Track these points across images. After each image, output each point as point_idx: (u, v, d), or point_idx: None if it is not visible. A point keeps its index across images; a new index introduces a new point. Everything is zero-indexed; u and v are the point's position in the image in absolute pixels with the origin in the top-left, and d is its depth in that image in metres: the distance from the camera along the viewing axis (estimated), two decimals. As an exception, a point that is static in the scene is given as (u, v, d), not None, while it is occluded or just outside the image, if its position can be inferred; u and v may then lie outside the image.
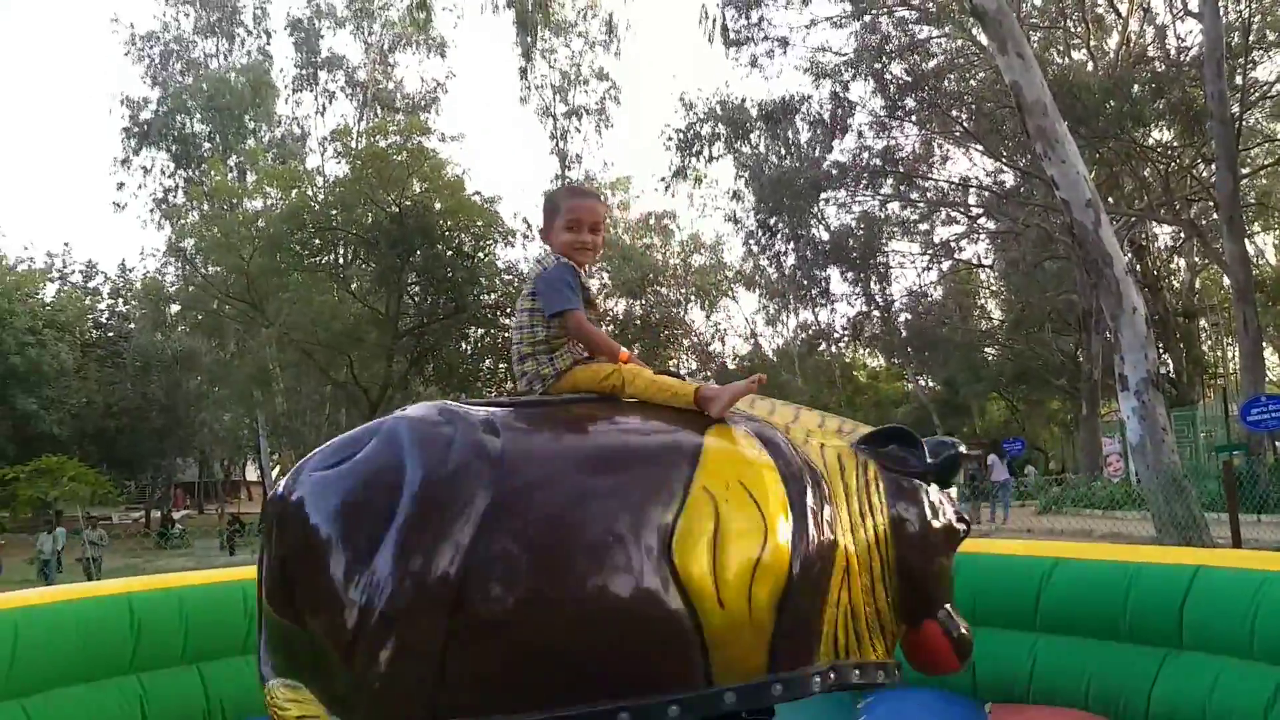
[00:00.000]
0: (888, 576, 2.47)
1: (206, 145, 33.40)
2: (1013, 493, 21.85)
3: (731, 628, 2.11)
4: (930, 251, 32.95)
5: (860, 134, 28.60)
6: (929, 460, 2.62)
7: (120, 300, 37.25)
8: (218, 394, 32.87)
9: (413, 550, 1.94)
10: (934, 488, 2.64)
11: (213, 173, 28.86)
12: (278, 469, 31.85)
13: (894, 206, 31.05)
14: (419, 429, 2.14)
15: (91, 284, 36.79)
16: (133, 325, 36.34)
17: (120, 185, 43.58)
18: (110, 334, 36.37)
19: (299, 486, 2.17)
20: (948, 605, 2.62)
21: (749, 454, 2.34)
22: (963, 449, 2.74)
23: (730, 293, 41.23)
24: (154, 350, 34.63)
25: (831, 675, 2.27)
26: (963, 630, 2.62)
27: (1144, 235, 27.50)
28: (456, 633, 1.94)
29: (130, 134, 34.30)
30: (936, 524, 2.58)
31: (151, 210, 34.63)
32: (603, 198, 2.78)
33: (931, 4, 25.70)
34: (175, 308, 32.85)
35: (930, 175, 29.74)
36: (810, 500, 2.31)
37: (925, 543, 2.54)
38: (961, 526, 2.66)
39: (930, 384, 39.51)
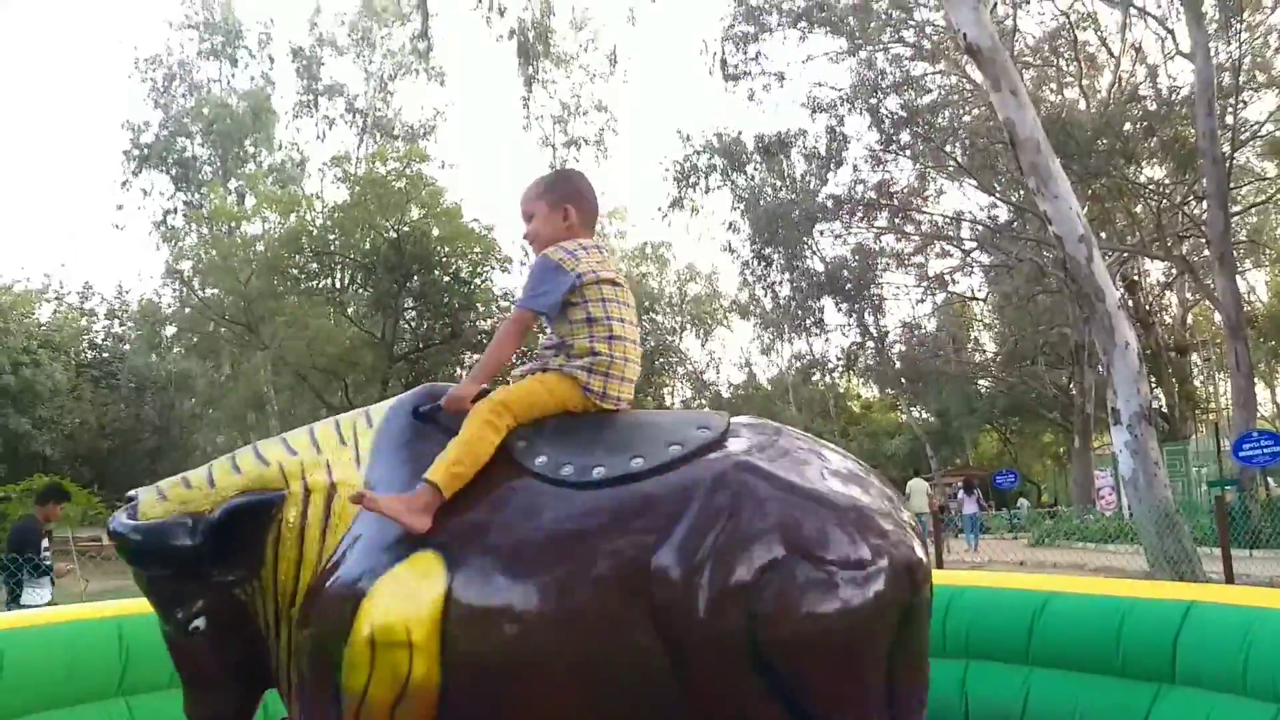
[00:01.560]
0: None
1: (207, 169, 33.56)
2: (980, 525, 22.01)
3: None
4: (924, 284, 33.10)
5: (855, 167, 28.86)
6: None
7: (116, 321, 37.19)
8: (212, 416, 32.73)
9: None
10: None
11: (212, 196, 28.97)
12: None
13: (888, 239, 31.24)
14: None
15: (88, 305, 36.74)
16: (128, 346, 36.26)
17: (119, 207, 43.84)
18: (105, 355, 36.25)
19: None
20: None
21: None
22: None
23: (725, 322, 41.40)
24: (149, 372, 34.54)
25: None
26: None
27: (1136, 271, 27.67)
28: None
29: (131, 156, 34.45)
30: None
31: (150, 232, 34.78)
32: (535, 183, 2.54)
33: (926, 41, 26.02)
34: (171, 329, 32.84)
35: (924, 209, 29.95)
36: None
37: None
38: None
39: (923, 415, 39.56)
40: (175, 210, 34.16)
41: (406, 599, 1.98)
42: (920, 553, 2.05)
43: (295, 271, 24.78)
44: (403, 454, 2.28)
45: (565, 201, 2.46)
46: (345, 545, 2.16)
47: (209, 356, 30.61)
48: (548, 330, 2.43)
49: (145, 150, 34.27)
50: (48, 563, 7.35)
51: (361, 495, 2.08)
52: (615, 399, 2.30)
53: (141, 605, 3.95)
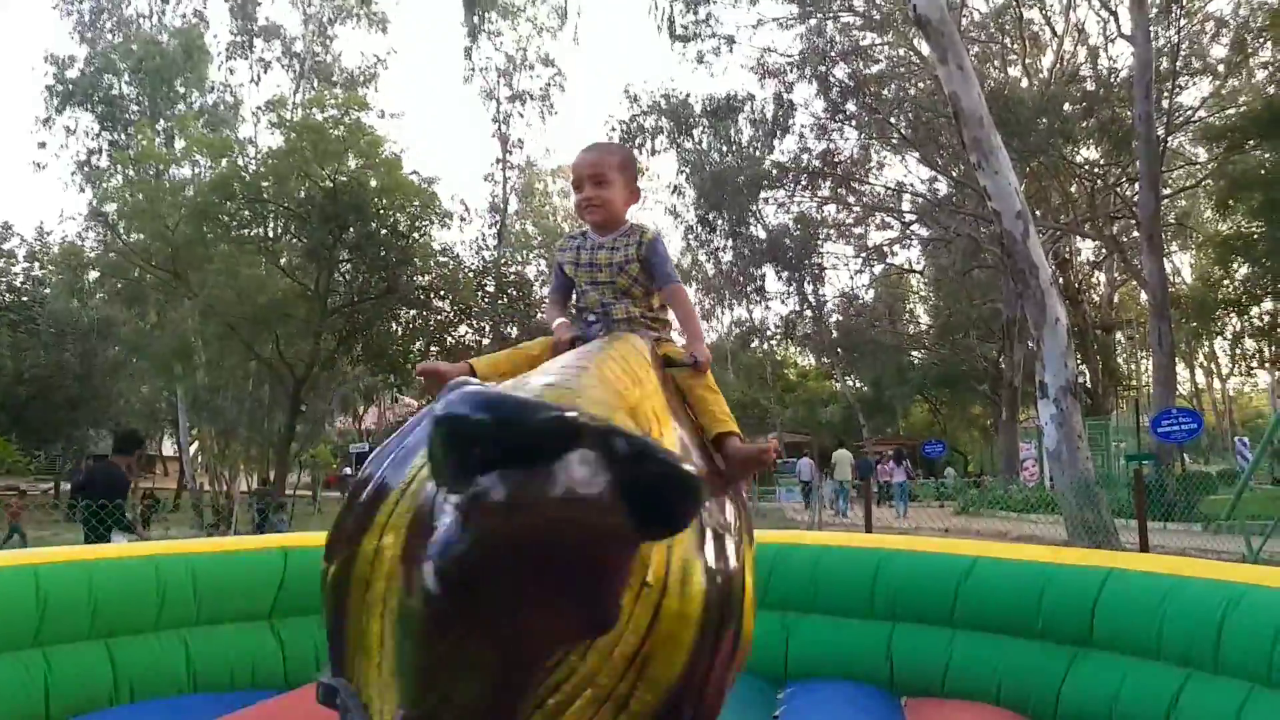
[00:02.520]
0: None
1: (134, 108, 32.29)
2: (908, 493, 22.68)
3: None
4: (863, 255, 33.49)
5: (801, 135, 28.97)
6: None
7: (36, 264, 35.76)
8: (136, 365, 31.77)
9: None
10: None
11: (139, 137, 27.91)
12: (195, 444, 31.02)
13: (830, 209, 31.49)
14: None
15: (6, 246, 35.26)
16: (48, 290, 34.97)
17: (41, 145, 42.07)
18: (24, 299, 34.90)
19: None
20: None
21: None
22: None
23: (666, 286, 41.38)
24: (70, 317, 33.37)
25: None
26: None
27: (1068, 249, 28.34)
28: None
29: (54, 92, 32.99)
30: None
31: (73, 173, 33.43)
32: (611, 150, 2.54)
33: (876, 11, 26.10)
34: (94, 274, 31.69)
35: (867, 180, 30.22)
36: None
37: None
38: None
39: (858, 384, 40.19)
40: (100, 150, 32.86)
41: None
42: None
43: (226, 218, 24.01)
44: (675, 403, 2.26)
45: (636, 182, 2.56)
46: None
47: (134, 304, 29.63)
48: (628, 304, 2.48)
49: (70, 87, 32.82)
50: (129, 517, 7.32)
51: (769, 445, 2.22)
52: None
53: (60, 554, 3.84)
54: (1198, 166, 26.21)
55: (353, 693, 1.77)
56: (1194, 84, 24.29)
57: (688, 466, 1.48)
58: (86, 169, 32.71)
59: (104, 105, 32.43)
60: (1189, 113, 23.75)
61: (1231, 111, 22.89)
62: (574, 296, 2.55)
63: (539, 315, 30.83)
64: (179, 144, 28.61)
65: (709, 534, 1.94)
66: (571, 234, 2.57)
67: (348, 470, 36.91)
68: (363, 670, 1.78)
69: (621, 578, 1.55)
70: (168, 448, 48.19)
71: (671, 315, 2.54)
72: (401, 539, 1.66)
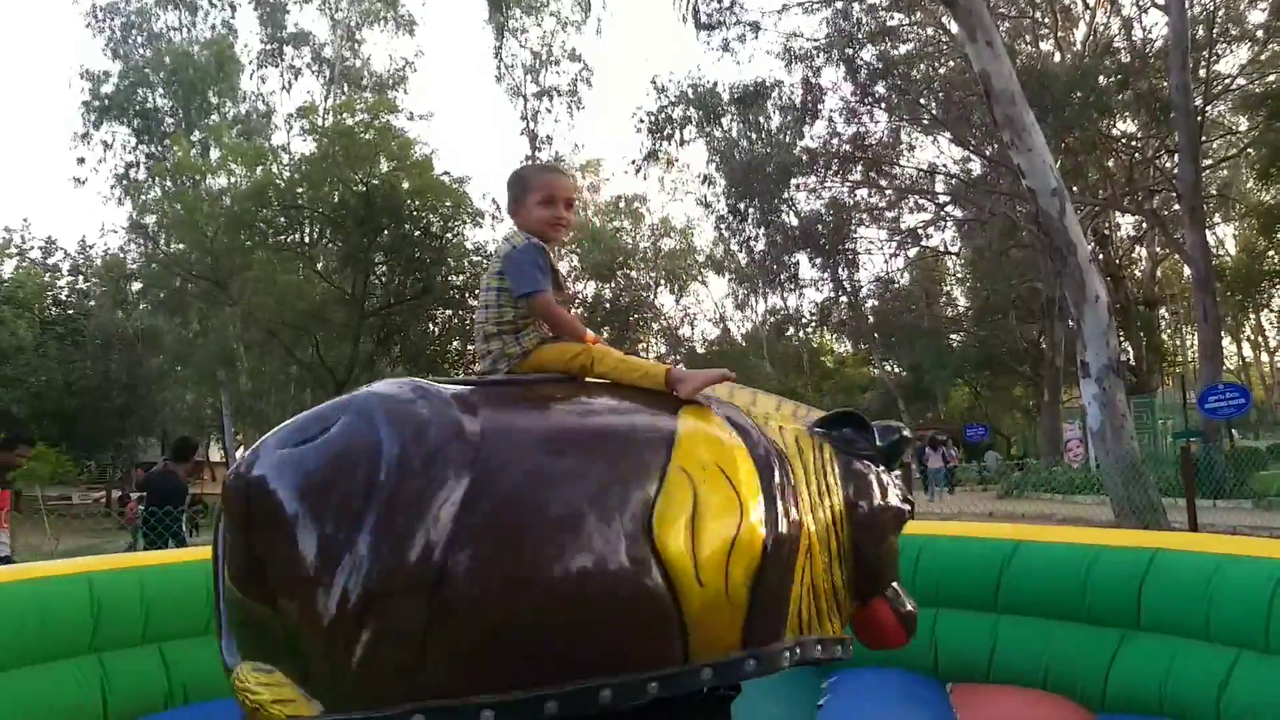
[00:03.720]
0: (843, 555, 2.52)
1: (169, 120, 32.78)
2: (944, 479, 22.64)
3: (709, 605, 2.13)
4: (898, 238, 33.16)
5: (830, 120, 28.69)
6: (878, 443, 2.71)
7: (80, 277, 36.49)
8: (180, 373, 32.35)
9: (392, 530, 1.93)
10: (882, 469, 2.70)
11: (175, 148, 28.35)
12: (241, 449, 31.49)
13: (863, 193, 31.20)
14: (393, 406, 2.12)
15: (51, 260, 36.01)
16: (93, 303, 35.66)
17: (80, 160, 42.88)
18: (70, 311, 35.64)
19: (263, 464, 2.10)
20: (895, 583, 2.69)
21: (721, 436, 2.37)
22: (906, 433, 2.83)
23: (700, 277, 41.34)
24: (115, 328, 34.00)
25: (797, 650, 2.34)
26: (909, 607, 2.69)
27: (1107, 225, 27.86)
28: (437, 613, 1.92)
29: (91, 108, 33.59)
30: (885, 505, 2.63)
31: (112, 186, 34.04)
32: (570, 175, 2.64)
33: (903, -10, 25.79)
34: (137, 285, 32.29)
35: (899, 163, 29.89)
36: (778, 481, 2.37)
37: (876, 522, 2.59)
38: (906, 507, 2.72)
39: (896, 369, 39.84)
40: (138, 164, 33.43)
41: None
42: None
43: (263, 225, 24.38)
44: None
45: None
46: None
47: (176, 313, 30.17)
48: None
49: (105, 101, 33.40)
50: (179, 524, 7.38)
51: None
52: None
53: (112, 562, 3.92)
54: (1238, 136, 25.62)
55: None
56: (1232, 51, 23.72)
57: None
58: (125, 182, 33.29)
59: (139, 119, 32.97)
60: (1227, 81, 23.21)
61: (1271, 78, 22.36)
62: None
63: (570, 310, 30.68)
64: (214, 154, 29.06)
65: None
66: (539, 244, 2.53)
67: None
68: (826, 608, 2.47)
69: None
70: (214, 453, 49.02)
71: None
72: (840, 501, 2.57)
